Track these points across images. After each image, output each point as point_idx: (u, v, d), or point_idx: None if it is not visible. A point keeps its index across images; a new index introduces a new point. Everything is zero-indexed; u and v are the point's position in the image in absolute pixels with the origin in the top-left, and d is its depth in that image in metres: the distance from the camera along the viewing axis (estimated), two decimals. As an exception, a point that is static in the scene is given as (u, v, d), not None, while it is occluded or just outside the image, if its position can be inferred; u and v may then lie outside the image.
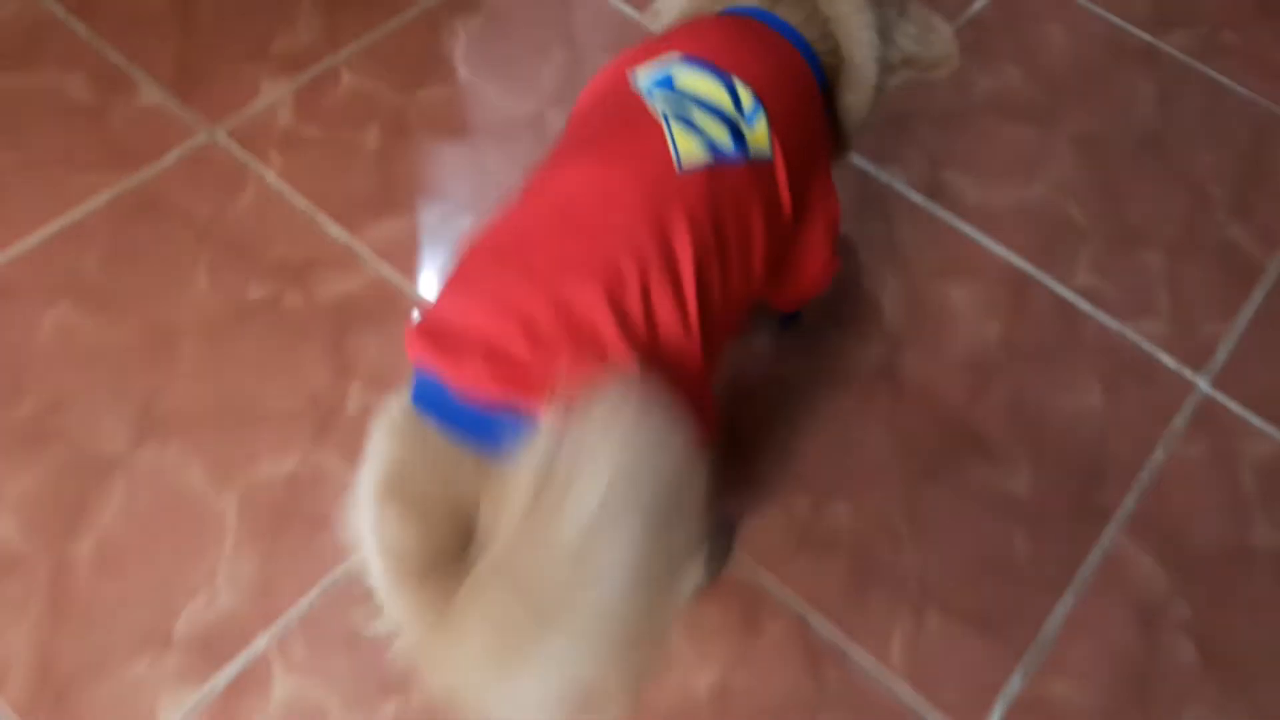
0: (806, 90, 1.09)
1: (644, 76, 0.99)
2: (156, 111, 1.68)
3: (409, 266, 1.56)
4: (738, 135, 0.94)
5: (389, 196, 1.63)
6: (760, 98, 0.98)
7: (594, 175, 0.89)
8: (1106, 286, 1.67)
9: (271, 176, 1.63)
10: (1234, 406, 1.57)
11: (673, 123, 0.92)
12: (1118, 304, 1.65)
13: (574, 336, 0.80)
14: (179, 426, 1.40)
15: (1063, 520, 1.45)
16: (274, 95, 1.72)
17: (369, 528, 0.82)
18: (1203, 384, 1.59)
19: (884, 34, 1.14)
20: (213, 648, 1.27)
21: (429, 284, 1.55)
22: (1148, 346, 1.61)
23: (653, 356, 0.83)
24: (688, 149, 0.90)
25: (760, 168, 0.96)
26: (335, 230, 1.59)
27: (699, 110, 0.94)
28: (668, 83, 0.97)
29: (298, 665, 1.26)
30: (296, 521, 1.35)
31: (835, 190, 1.17)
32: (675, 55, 1.00)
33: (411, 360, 0.85)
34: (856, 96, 1.18)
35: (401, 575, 0.79)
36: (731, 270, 0.92)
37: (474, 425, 0.80)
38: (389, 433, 0.84)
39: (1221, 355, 1.62)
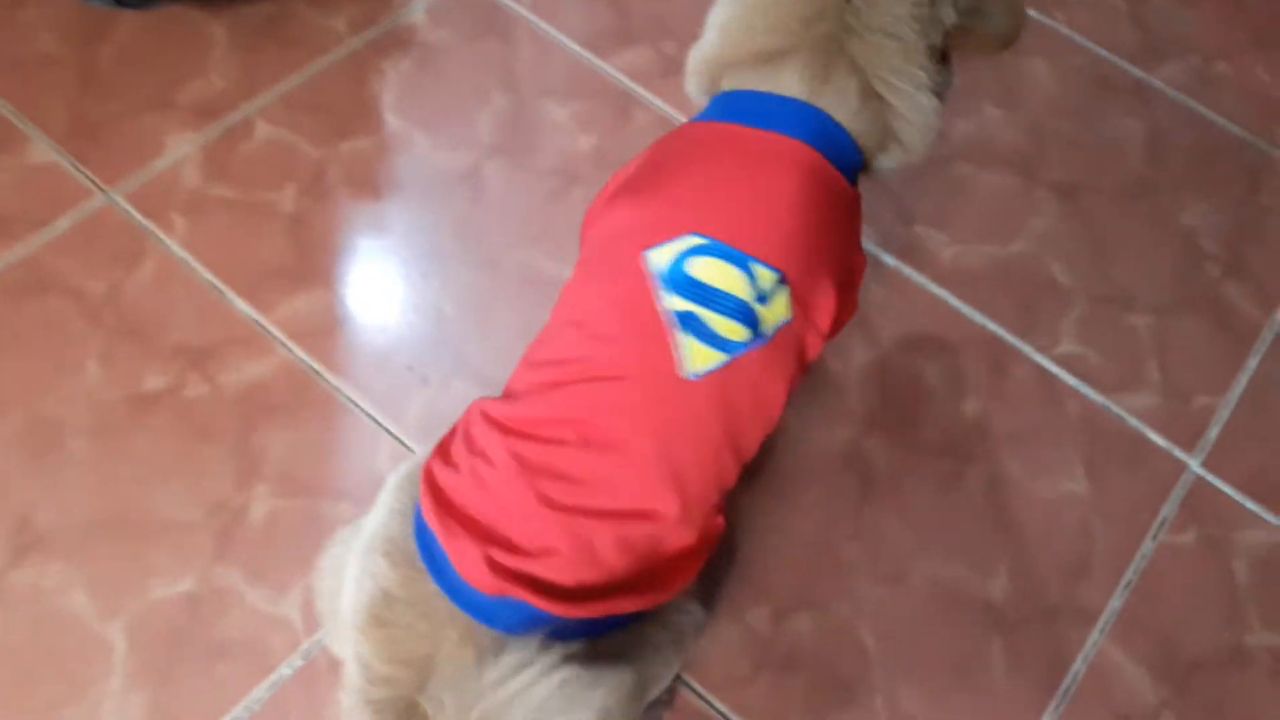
0: (834, 210, 1.05)
1: (657, 262, 0.98)
2: (47, 171, 1.51)
3: (324, 349, 1.41)
4: (753, 323, 0.97)
5: (304, 268, 1.47)
6: (782, 266, 0.98)
7: (602, 391, 0.94)
8: (1092, 355, 1.53)
9: (174, 245, 1.47)
10: (1227, 489, 1.44)
11: (679, 334, 0.95)
12: (1104, 375, 1.52)
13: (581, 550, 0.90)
14: (61, 543, 1.25)
15: (1043, 625, 1.32)
16: (180, 151, 1.55)
17: (351, 651, 0.91)
18: (1194, 464, 1.46)
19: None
20: (94, 805, 1.13)
21: (344, 368, 1.40)
22: (1135, 423, 1.48)
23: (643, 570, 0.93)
24: (696, 359, 0.94)
25: (782, 336, 0.99)
26: (243, 307, 1.43)
27: (712, 311, 0.96)
28: (681, 274, 0.97)
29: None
30: (194, 650, 1.21)
31: (861, 253, 1.15)
32: (691, 238, 0.98)
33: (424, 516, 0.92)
34: (906, 159, 1.12)
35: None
36: (742, 445, 0.99)
37: (469, 601, 0.89)
38: (385, 557, 0.92)
39: (1214, 431, 1.49)
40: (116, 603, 1.23)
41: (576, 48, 1.76)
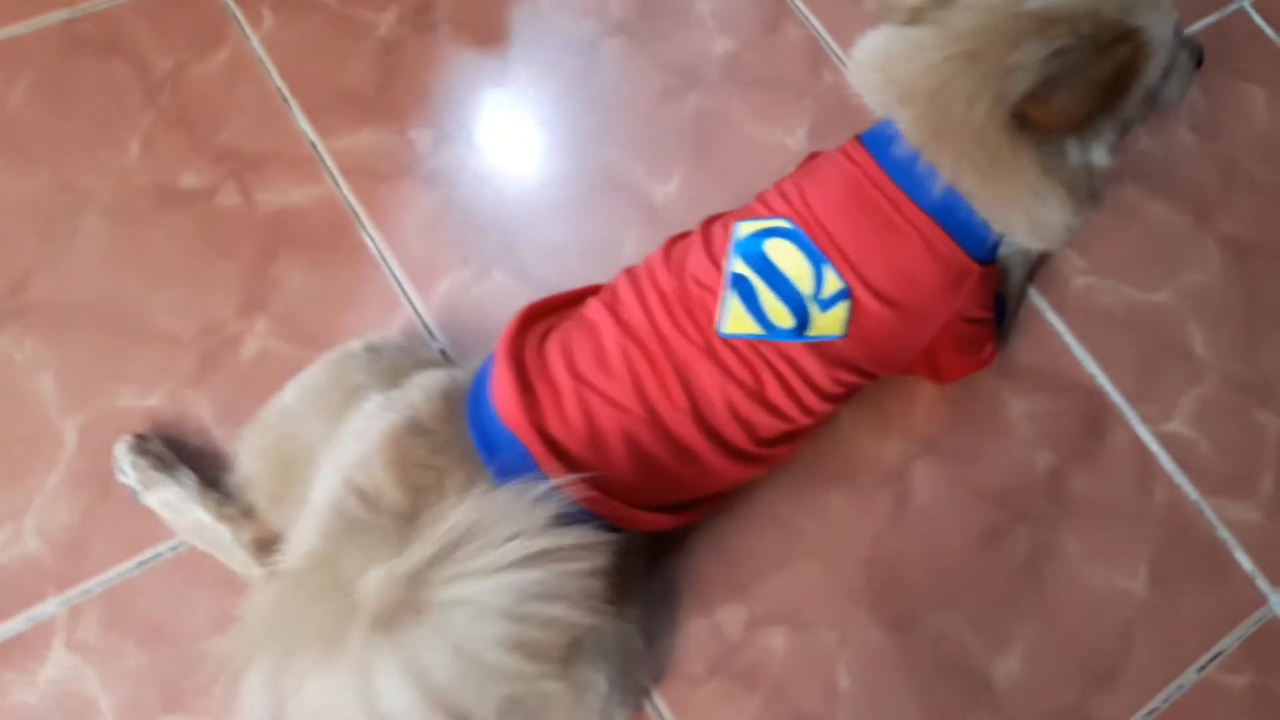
0: (932, 278, 1.05)
1: (742, 230, 1.05)
2: (152, -75, 1.41)
3: (374, 193, 1.30)
4: (802, 320, 1.01)
5: (381, 101, 1.35)
6: (853, 283, 1.01)
7: (647, 330, 1.02)
8: (1203, 444, 1.33)
9: (255, 40, 1.36)
10: (1306, 641, 1.25)
11: (734, 295, 1.01)
12: (1209, 470, 1.32)
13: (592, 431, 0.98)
14: (46, 318, 1.19)
15: (1041, 726, 1.17)
16: (290, -61, 1.43)
17: (352, 462, 0.94)
18: (1276, 602, 1.27)
19: (1080, 202, 1.02)
20: (-2, 595, 1.09)
21: (387, 220, 1.29)
22: (1225, 534, 1.29)
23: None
24: (736, 322, 1.01)
25: (821, 345, 1.03)
26: (304, 125, 1.33)
27: (770, 289, 1.01)
28: (758, 248, 1.03)
29: (82, 645, 1.08)
30: (142, 470, 1.14)
31: (977, 343, 1.20)
32: (787, 222, 1.03)
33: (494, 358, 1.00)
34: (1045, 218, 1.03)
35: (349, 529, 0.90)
36: (771, 404, 1.03)
37: (485, 431, 0.97)
38: (420, 391, 0.98)
39: (1314, 573, 1.29)
40: (81, 399, 1.16)
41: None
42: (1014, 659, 1.20)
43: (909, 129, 0.99)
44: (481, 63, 1.41)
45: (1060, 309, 1.38)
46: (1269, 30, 1.64)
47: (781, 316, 1.01)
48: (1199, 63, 1.11)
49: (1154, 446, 1.32)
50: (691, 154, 1.40)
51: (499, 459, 0.96)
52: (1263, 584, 1.27)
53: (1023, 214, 1.00)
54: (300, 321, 1.23)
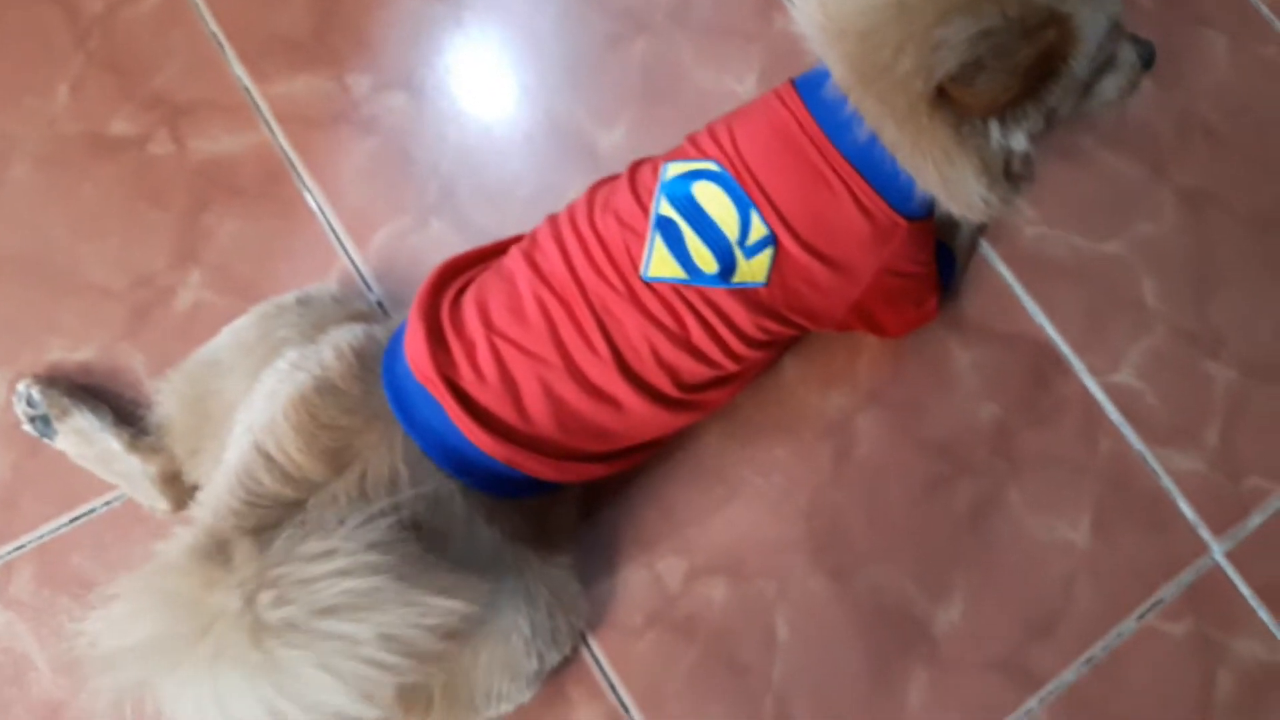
0: (856, 229, 1.03)
1: (670, 171, 1.03)
2: None
3: (310, 141, 1.28)
4: (727, 264, 1.00)
5: (318, 47, 1.32)
6: (778, 230, 1.00)
7: (565, 277, 1.01)
8: (1149, 395, 1.33)
9: (190, -18, 1.33)
10: (1244, 589, 1.26)
11: (657, 238, 1.00)
12: (1154, 421, 1.32)
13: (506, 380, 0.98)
14: (-28, 271, 1.17)
15: (978, 675, 1.19)
16: (229, -124, 1.39)
17: (262, 424, 0.94)
18: (1218, 550, 1.27)
19: (995, 177, 1.01)
20: (-73, 551, 1.08)
21: (323, 169, 1.27)
22: (1169, 483, 1.29)
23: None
24: (660, 266, 1.00)
25: (745, 292, 1.02)
26: (238, 71, 1.30)
27: (696, 233, 1.00)
28: (685, 190, 1.02)
29: (15, 601, 1.07)
30: (75, 423, 1.12)
31: (914, 297, 1.18)
32: (714, 165, 1.02)
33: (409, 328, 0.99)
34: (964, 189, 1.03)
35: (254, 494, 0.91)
36: (696, 348, 1.02)
37: (397, 385, 0.97)
38: (333, 350, 0.98)
39: (1255, 520, 1.29)
40: (10, 352, 1.15)
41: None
42: (954, 609, 1.20)
43: (838, 69, 0.98)
44: (423, 6, 1.38)
45: (1010, 260, 1.37)
46: (1232, -25, 1.61)
47: (706, 261, 1.00)
48: (1148, 64, 1.10)
49: (1100, 396, 1.32)
50: (638, 100, 1.37)
51: (413, 415, 0.95)
52: (1204, 532, 1.28)
53: (936, 175, 0.99)
54: (234, 273, 1.21)
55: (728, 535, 1.19)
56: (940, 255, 1.23)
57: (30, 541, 1.09)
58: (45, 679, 1.04)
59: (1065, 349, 1.33)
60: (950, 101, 0.95)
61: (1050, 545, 1.25)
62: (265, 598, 0.78)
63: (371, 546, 0.82)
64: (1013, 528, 1.24)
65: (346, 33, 1.34)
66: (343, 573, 0.80)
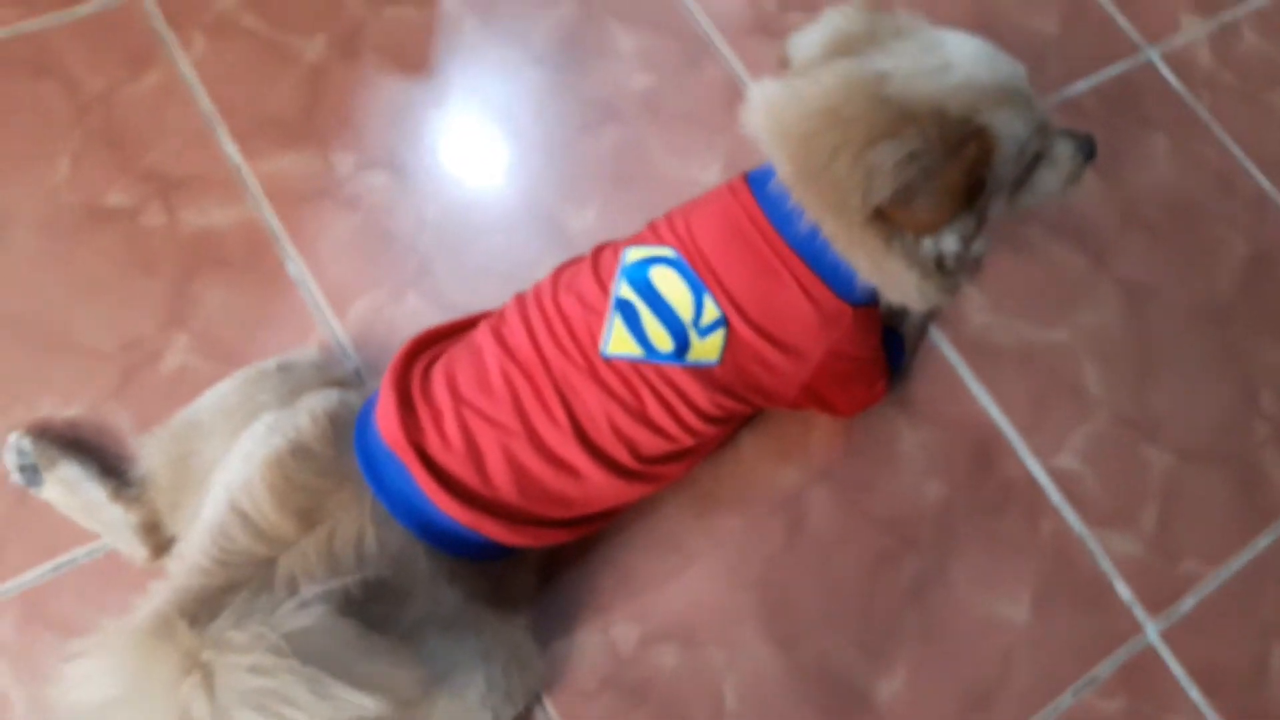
0: (802, 315, 1.10)
1: (630, 256, 1.11)
2: (86, -49, 1.45)
3: (295, 216, 1.35)
4: (681, 344, 1.07)
5: (305, 126, 1.40)
6: (730, 314, 1.07)
7: (529, 352, 1.07)
8: (1089, 479, 1.39)
9: (185, 64, 1.41)
10: (1177, 669, 1.31)
11: (616, 318, 1.07)
12: (1094, 504, 1.38)
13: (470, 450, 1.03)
14: (-30, 330, 1.23)
15: (919, 745, 1.23)
16: (225, -34, 1.47)
17: (238, 484, 0.99)
18: (1152, 631, 1.33)
19: (927, 271, 1.08)
20: (-90, 599, 1.12)
21: (306, 243, 1.33)
22: (1107, 565, 1.35)
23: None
24: (618, 343, 1.06)
25: (699, 370, 1.08)
26: (230, 148, 1.37)
27: (653, 314, 1.07)
28: (643, 275, 1.09)
29: (-4, 647, 1.11)
30: (58, 480, 1.17)
31: (863, 379, 1.25)
32: (671, 251, 1.10)
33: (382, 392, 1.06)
34: (900, 283, 1.10)
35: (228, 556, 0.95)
36: (653, 422, 1.08)
37: (368, 451, 1.02)
38: (309, 414, 1.04)
39: (1188, 603, 1.35)
40: (4, 407, 1.20)
41: (677, -24, 1.62)
42: (897, 680, 1.25)
43: (782, 167, 1.06)
44: (405, 90, 1.46)
45: (958, 345, 1.44)
46: (1175, 82, 1.70)
47: (662, 340, 1.07)
48: (1089, 155, 1.18)
49: (1042, 479, 1.38)
50: (608, 185, 1.45)
51: (381, 479, 1.01)
52: (1139, 613, 1.33)
53: (873, 270, 1.07)
54: (219, 339, 1.27)
55: (681, 602, 1.24)
56: (889, 340, 1.30)
57: (14, 587, 1.13)
58: (19, 717, 1.08)
59: (1010, 432, 1.40)
60: (886, 219, 1.03)
61: (990, 620, 1.30)
62: (191, 682, 0.81)
63: (293, 635, 0.84)
64: (955, 602, 1.30)
65: (332, 113, 1.42)
66: (256, 669, 0.82)
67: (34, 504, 1.16)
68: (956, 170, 1.00)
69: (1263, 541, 1.40)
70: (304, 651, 0.83)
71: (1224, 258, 1.58)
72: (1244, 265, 1.58)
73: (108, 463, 1.17)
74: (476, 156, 1.44)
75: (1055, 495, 1.38)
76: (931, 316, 1.44)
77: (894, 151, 0.98)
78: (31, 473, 1.14)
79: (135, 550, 1.12)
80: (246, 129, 1.38)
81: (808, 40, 1.11)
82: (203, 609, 0.89)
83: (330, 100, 1.42)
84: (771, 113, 1.06)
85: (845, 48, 1.08)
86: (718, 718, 1.20)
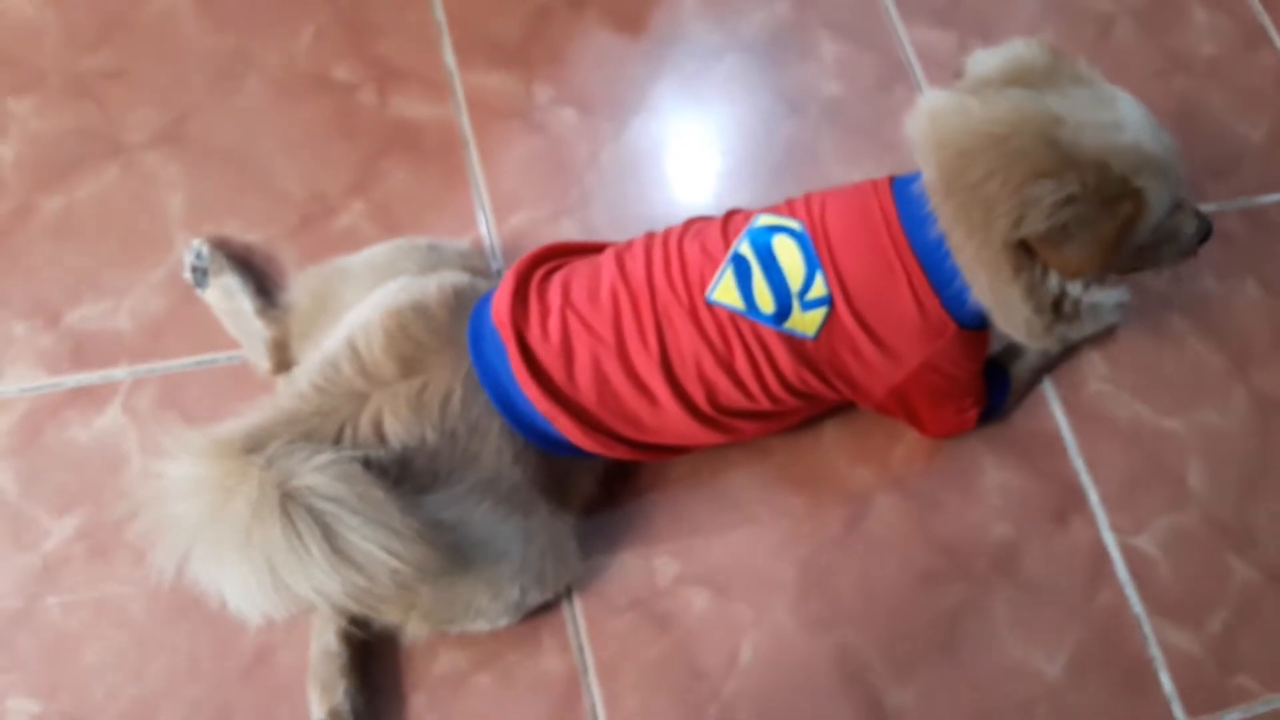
0: (906, 318, 1.16)
1: (760, 221, 1.18)
2: None
3: (488, 127, 1.49)
4: (783, 309, 1.13)
5: (519, 54, 1.55)
6: (836, 295, 1.13)
7: (642, 280, 1.16)
8: (1163, 567, 1.38)
9: (457, -26, 1.58)
10: (1200, 777, 1.29)
11: (729, 270, 1.14)
12: (1161, 591, 1.36)
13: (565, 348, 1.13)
14: (193, 151, 1.43)
15: (915, 758, 1.25)
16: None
17: (359, 324, 1.12)
18: (1184, 730, 1.31)
19: (1041, 306, 1.14)
20: (83, 351, 1.31)
21: (492, 152, 1.48)
22: (1156, 653, 1.34)
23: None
24: (724, 293, 1.14)
25: (793, 340, 1.15)
26: (449, 57, 1.53)
27: (764, 276, 1.14)
28: (766, 239, 1.16)
29: (134, 410, 1.29)
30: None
31: (955, 402, 1.29)
32: (798, 224, 1.16)
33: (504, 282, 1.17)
34: (1009, 310, 1.16)
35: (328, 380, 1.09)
36: (736, 375, 1.15)
37: (477, 323, 1.14)
38: (436, 278, 1.18)
39: (1233, 717, 1.32)
40: (198, 219, 1.39)
41: (889, 1, 1.70)
42: (910, 693, 1.28)
43: (930, 173, 1.12)
44: (616, 45, 1.58)
45: (1068, 404, 1.45)
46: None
47: (765, 301, 1.13)
48: (1204, 238, 1.22)
49: (1114, 552, 1.38)
50: (772, 171, 1.54)
51: (481, 351, 1.12)
52: (1178, 709, 1.31)
53: (988, 287, 1.12)
54: (390, 211, 1.42)
55: (726, 556, 1.31)
56: (994, 374, 1.33)
57: (160, 368, 1.31)
58: (133, 476, 1.25)
59: (1094, 499, 1.40)
60: (1028, 251, 1.09)
61: (1020, 667, 1.30)
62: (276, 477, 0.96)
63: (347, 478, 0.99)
64: (990, 639, 1.31)
65: (546, 49, 1.56)
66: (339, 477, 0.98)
67: (198, 305, 1.33)
68: (1112, 224, 1.06)
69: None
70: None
71: (1376, 398, 1.53)
72: (1396, 412, 1.52)
73: (265, 286, 1.34)
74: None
75: (1123, 571, 1.37)
76: (1048, 368, 1.45)
77: (1054, 191, 1.04)
78: (201, 274, 1.31)
79: (262, 360, 1.27)
80: (468, 43, 1.54)
81: (988, 60, 1.17)
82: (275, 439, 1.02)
83: (548, 38, 1.57)
84: (935, 119, 1.13)
85: (1023, 78, 1.13)
86: (729, 668, 1.26)
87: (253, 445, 0.99)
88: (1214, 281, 1.57)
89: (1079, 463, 1.42)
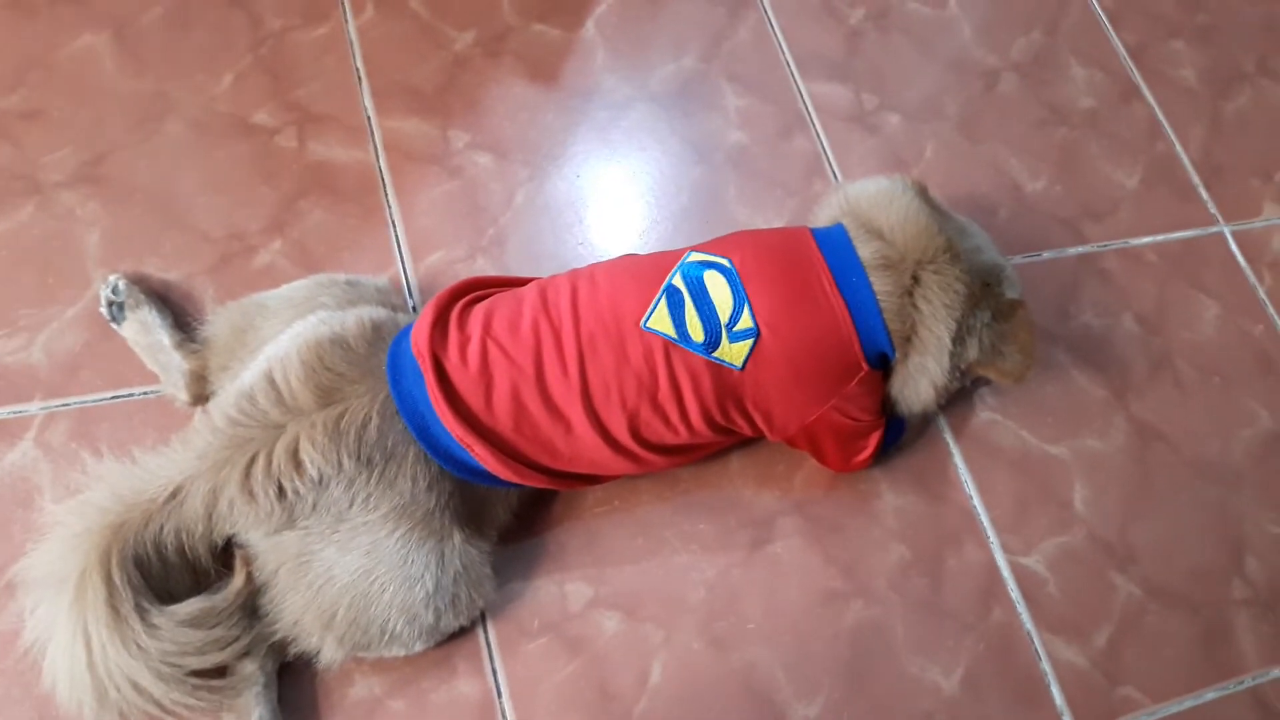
0: (828, 353, 1.25)
1: (692, 257, 1.26)
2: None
3: (403, 170, 1.54)
4: (712, 339, 1.20)
5: (435, 101, 1.60)
6: (763, 328, 1.20)
7: (565, 310, 1.21)
8: (1052, 586, 1.46)
9: (351, 25, 1.63)
10: (1091, 783, 1.35)
11: (663, 300, 1.21)
12: (1049, 610, 1.44)
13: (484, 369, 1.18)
14: (111, 191, 1.45)
15: (819, 773, 1.29)
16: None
17: (277, 357, 1.16)
18: (1075, 741, 1.37)
19: (960, 339, 1.29)
20: (-5, 385, 1.32)
21: (407, 193, 1.53)
22: (1047, 668, 1.41)
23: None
24: (658, 321, 1.20)
25: (721, 370, 1.21)
26: (367, 102, 1.58)
27: (695, 307, 1.21)
28: (698, 273, 1.23)
29: (47, 445, 1.29)
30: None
31: (857, 441, 1.37)
32: (728, 261, 1.24)
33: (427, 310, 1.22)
34: (917, 384, 1.32)
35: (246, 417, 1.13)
36: (658, 404, 1.21)
37: (395, 354, 1.18)
38: (354, 315, 1.21)
39: (1119, 727, 1.39)
40: (115, 257, 1.41)
41: (789, 56, 1.79)
42: (814, 708, 1.32)
43: (871, 254, 1.27)
44: (530, 94, 1.65)
45: (958, 432, 1.53)
46: (1241, 258, 1.78)
47: (696, 330, 1.20)
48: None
49: (1005, 572, 1.45)
50: (678, 213, 1.61)
51: (399, 380, 1.16)
52: (1066, 721, 1.38)
53: (918, 356, 1.30)
54: (308, 250, 1.46)
55: (636, 581, 1.35)
56: (891, 421, 1.41)
57: (76, 402, 1.32)
58: (45, 511, 1.25)
59: (985, 521, 1.48)
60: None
61: (919, 682, 1.36)
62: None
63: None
64: (888, 656, 1.37)
65: (462, 97, 1.62)
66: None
67: (114, 341, 1.35)
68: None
69: (1210, 694, 1.43)
70: None
71: (1245, 428, 1.63)
72: (1264, 439, 1.62)
73: (183, 321, 1.36)
74: (573, 164, 1.62)
75: (1014, 589, 1.44)
76: (939, 408, 1.53)
77: (981, 316, 1.31)
78: (117, 309, 1.33)
79: (180, 394, 1.29)
80: (386, 90, 1.59)
81: (861, 190, 1.37)
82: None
83: (464, 86, 1.63)
84: (876, 215, 1.31)
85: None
86: (639, 688, 1.29)
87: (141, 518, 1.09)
88: (1094, 317, 1.67)
89: (971, 488, 1.50)
